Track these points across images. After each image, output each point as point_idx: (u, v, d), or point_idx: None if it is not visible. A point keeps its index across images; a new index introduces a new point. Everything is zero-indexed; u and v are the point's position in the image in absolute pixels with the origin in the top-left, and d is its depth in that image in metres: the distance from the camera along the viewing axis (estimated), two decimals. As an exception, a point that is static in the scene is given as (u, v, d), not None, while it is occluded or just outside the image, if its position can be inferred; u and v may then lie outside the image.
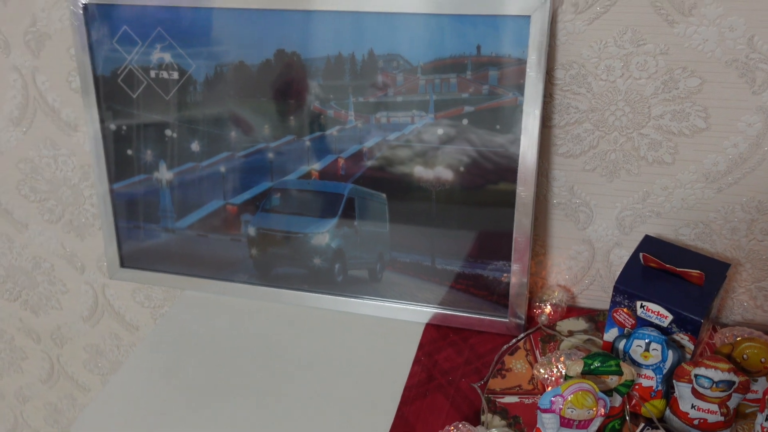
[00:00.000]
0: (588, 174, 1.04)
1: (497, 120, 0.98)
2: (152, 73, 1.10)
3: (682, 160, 0.98)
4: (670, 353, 0.89)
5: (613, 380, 0.86)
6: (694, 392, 0.87)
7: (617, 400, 0.89)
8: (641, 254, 0.94)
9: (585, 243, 1.10)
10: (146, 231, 1.21)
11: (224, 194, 1.15)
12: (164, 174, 1.16)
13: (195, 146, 1.13)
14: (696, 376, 0.86)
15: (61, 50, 1.18)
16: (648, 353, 0.89)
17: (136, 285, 1.42)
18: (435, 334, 1.10)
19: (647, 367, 0.90)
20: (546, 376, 0.97)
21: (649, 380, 0.91)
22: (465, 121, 0.99)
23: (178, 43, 1.06)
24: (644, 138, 0.98)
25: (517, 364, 1.02)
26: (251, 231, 1.15)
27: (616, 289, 0.94)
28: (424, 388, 1.00)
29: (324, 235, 1.12)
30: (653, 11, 0.89)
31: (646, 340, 0.89)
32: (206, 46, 1.05)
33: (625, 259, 1.09)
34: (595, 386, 0.83)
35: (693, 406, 0.88)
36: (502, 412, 0.94)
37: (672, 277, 0.93)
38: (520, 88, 0.95)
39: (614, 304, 0.95)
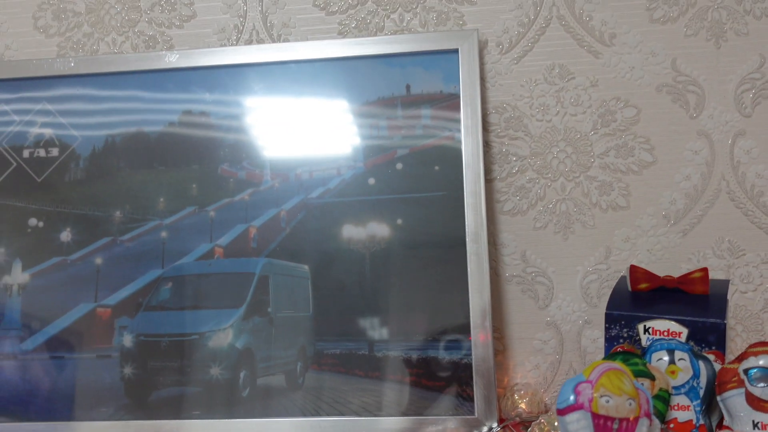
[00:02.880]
0: (540, 233, 0.91)
1: (435, 160, 0.87)
2: (26, 153, 0.93)
3: (638, 201, 0.90)
4: (702, 365, 0.68)
5: (644, 386, 0.62)
6: (750, 400, 0.64)
7: (656, 429, 0.63)
8: (629, 266, 0.78)
9: (550, 327, 0.91)
10: (-26, 363, 0.88)
11: (96, 294, 0.89)
12: (17, 277, 0.90)
13: (66, 235, 0.91)
14: (746, 371, 0.64)
15: None
16: (675, 366, 0.68)
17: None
18: (381, 447, 0.80)
19: (678, 390, 0.67)
20: (547, 437, 0.70)
21: (686, 411, 0.67)
22: (399, 165, 0.88)
23: (63, 117, 0.93)
24: (593, 181, 0.90)
25: (503, 447, 0.73)
26: (127, 340, 0.87)
27: (608, 317, 0.75)
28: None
29: (226, 332, 0.86)
30: (576, 44, 0.90)
31: (668, 349, 0.68)
32: (97, 116, 0.92)
33: (600, 342, 0.90)
34: (627, 367, 0.60)
35: (755, 425, 0.64)
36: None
37: (669, 293, 0.77)
38: (456, 124, 0.88)
39: (609, 342, 0.75)
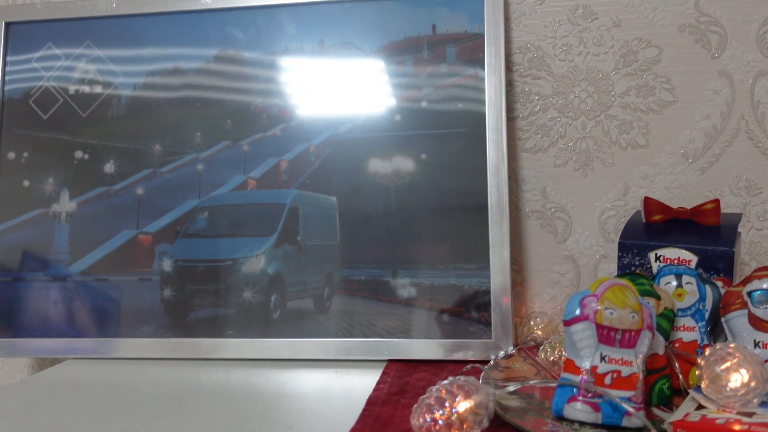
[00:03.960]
0: (560, 170, 0.94)
1: (459, 98, 0.90)
2: (71, 90, 0.98)
3: (657, 140, 0.92)
4: (708, 289, 0.71)
5: (650, 305, 0.66)
6: (753, 321, 0.67)
7: (659, 345, 0.67)
8: (643, 198, 0.81)
9: (567, 260, 0.94)
10: (25, 284, 0.95)
11: (137, 222, 0.95)
12: (65, 205, 0.96)
13: (109, 167, 0.96)
14: (750, 293, 0.67)
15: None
16: (682, 289, 0.71)
17: None
18: (402, 366, 0.85)
19: (684, 312, 0.71)
20: (557, 355, 0.74)
21: (691, 332, 0.70)
22: (424, 103, 0.91)
23: (107, 55, 0.98)
24: (613, 120, 0.92)
25: (516, 364, 0.78)
26: (167, 265, 0.93)
27: (621, 246, 0.78)
28: (396, 396, 0.73)
29: (258, 258, 0.92)
30: (600, -16, 0.92)
31: (676, 274, 0.71)
32: (137, 56, 0.97)
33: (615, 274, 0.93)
34: (632, 284, 0.63)
35: (756, 344, 0.67)
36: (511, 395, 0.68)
37: (681, 225, 0.79)
38: (480, 63, 0.90)
39: (622, 270, 0.79)
